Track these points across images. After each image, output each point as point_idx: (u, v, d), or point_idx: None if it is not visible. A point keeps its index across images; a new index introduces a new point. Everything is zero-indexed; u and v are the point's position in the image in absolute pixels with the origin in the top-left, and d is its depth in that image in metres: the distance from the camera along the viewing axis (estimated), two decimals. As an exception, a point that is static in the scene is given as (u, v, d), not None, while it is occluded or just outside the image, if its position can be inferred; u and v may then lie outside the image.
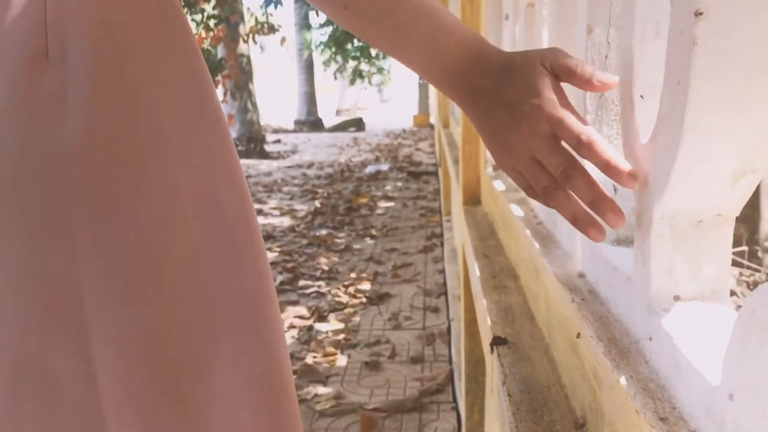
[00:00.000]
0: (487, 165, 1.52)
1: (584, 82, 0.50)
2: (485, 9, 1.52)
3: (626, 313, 0.55)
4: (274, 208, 5.30)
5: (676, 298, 0.49)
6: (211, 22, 7.96)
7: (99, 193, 0.44)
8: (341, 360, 2.39)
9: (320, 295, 3.13)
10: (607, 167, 0.47)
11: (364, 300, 3.03)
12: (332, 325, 2.75)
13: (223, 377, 0.49)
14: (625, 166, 0.47)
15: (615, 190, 0.66)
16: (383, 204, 5.39)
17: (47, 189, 0.43)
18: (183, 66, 0.50)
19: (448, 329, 2.63)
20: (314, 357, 2.42)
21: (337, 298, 3.06)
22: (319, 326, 2.74)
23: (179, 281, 0.47)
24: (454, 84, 0.55)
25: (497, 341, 0.78)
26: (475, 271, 1.10)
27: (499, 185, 1.31)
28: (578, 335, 0.60)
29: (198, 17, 7.73)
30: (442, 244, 3.93)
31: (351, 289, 3.16)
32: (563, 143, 0.50)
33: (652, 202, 0.48)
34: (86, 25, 0.44)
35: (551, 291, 0.73)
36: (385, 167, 7.42)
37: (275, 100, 21.69)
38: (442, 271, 3.40)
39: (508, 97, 0.50)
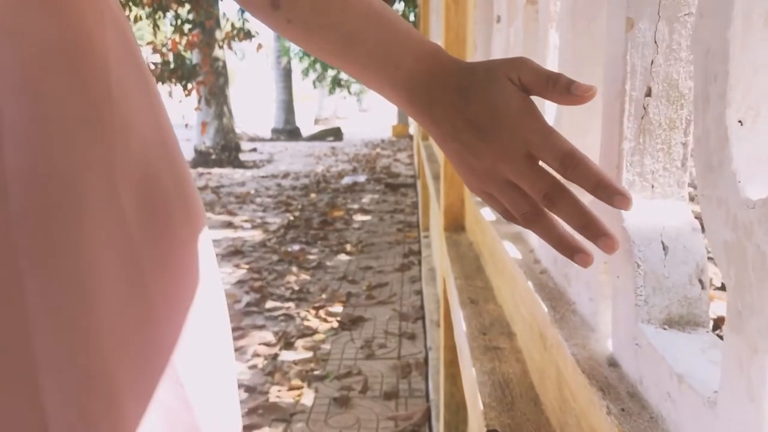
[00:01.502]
0: (472, 188, 1.33)
1: (560, 95, 0.44)
2: (473, 10, 1.34)
3: (706, 455, 0.36)
4: (246, 221, 5.07)
5: (808, 456, 0.30)
6: (186, 27, 7.72)
7: (41, 218, 0.40)
8: (308, 395, 2.18)
9: (288, 318, 2.91)
10: (596, 189, 0.42)
11: (335, 324, 2.82)
12: (299, 353, 2.53)
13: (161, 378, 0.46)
14: (616, 185, 0.42)
15: (665, 250, 0.47)
16: (359, 218, 5.19)
17: None
18: (131, 83, 0.46)
19: (426, 359, 2.43)
20: (278, 391, 2.20)
21: (306, 322, 2.85)
22: (285, 355, 2.52)
23: (119, 294, 0.43)
24: (411, 101, 0.49)
25: (493, 439, 0.58)
26: (461, 323, 0.90)
27: (487, 213, 1.12)
28: (620, 468, 0.41)
29: (173, 21, 7.50)
30: (419, 262, 3.74)
31: (322, 312, 2.95)
32: (541, 163, 0.44)
33: (773, 299, 0.29)
34: (14, 48, 0.40)
35: (570, 379, 0.54)
36: (362, 178, 7.23)
37: (253, 108, 21.39)
38: (420, 293, 3.21)
39: (474, 117, 0.46)
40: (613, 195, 0.41)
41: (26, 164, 0.40)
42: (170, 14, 7.40)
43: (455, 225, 1.45)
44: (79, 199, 0.42)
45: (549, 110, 0.78)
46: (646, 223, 0.48)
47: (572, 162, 0.42)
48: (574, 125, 0.68)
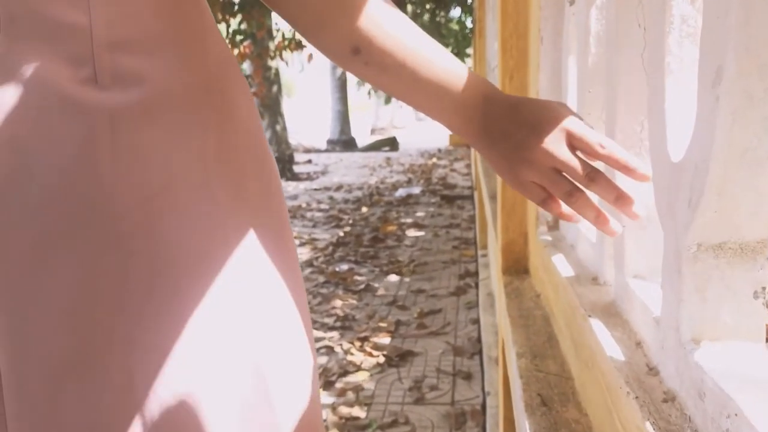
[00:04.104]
0: (539, 222, 1.02)
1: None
2: (537, -7, 1.03)
3: None
4: (294, 237, 4.84)
5: None
6: (237, 38, 7.64)
7: (146, 210, 0.45)
8: (346, 451, 1.90)
9: (330, 351, 2.65)
10: (625, 168, 0.54)
11: (381, 359, 2.53)
12: (340, 395, 2.26)
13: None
14: (636, 163, 0.53)
15: None
16: (412, 233, 4.90)
17: (99, 204, 0.44)
18: (231, 82, 0.53)
19: (483, 406, 2.11)
20: (313, 443, 1.93)
21: (349, 357, 2.57)
22: (324, 396, 2.25)
23: (216, 294, 0.48)
24: (470, 121, 0.59)
25: None
26: (527, 447, 0.60)
27: (561, 264, 0.81)
28: None
29: (226, 33, 7.42)
30: (476, 285, 3.42)
31: (367, 345, 2.67)
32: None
33: None
34: (134, 55, 0.46)
35: None
36: (416, 190, 6.93)
37: (311, 120, 21.46)
38: (476, 322, 2.89)
39: (526, 120, 0.57)
40: (635, 171, 0.53)
41: (134, 165, 0.45)
42: (222, 26, 7.33)
43: (516, 267, 1.14)
44: (175, 201, 0.46)
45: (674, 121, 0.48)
46: None
47: (608, 144, 0.54)
48: (735, 147, 0.38)
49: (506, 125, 0.57)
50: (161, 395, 0.45)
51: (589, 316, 0.62)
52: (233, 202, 0.50)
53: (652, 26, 0.51)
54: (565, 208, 0.58)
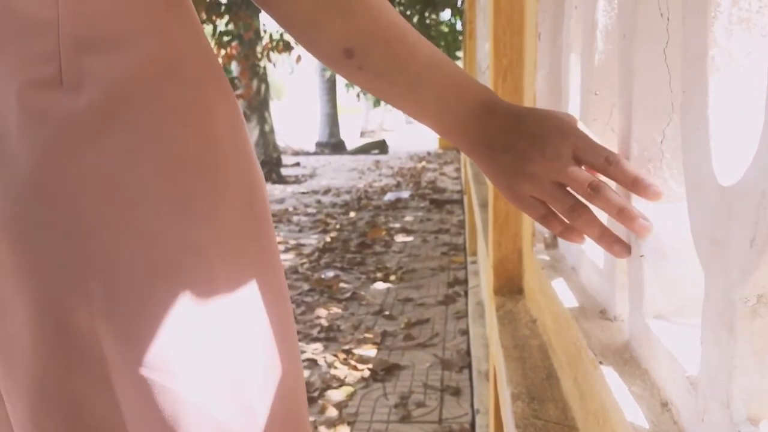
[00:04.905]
0: (535, 239, 0.92)
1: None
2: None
3: None
4: (280, 243, 4.73)
5: None
6: (224, 39, 7.52)
7: (112, 223, 0.43)
8: (326, 475, 1.79)
9: (314, 364, 2.53)
10: (634, 183, 0.50)
11: (366, 373, 2.42)
12: (322, 413, 2.14)
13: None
14: (650, 180, 0.50)
15: None
16: (401, 238, 4.79)
17: (62, 218, 0.42)
18: (213, 98, 0.50)
19: (472, 425, 2.01)
20: (292, 467, 1.82)
21: (333, 370, 2.46)
22: (305, 414, 2.14)
23: (186, 307, 0.46)
24: (465, 130, 0.56)
25: None
26: None
27: (562, 290, 0.71)
28: None
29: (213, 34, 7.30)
30: (465, 293, 3.31)
31: (351, 358, 2.56)
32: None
33: None
34: (102, 54, 0.43)
35: None
36: (405, 194, 6.83)
37: (301, 122, 21.31)
38: (466, 333, 2.79)
39: (527, 131, 0.53)
40: (647, 188, 0.50)
41: (105, 162, 0.43)
42: (208, 27, 7.20)
43: (510, 287, 1.04)
44: (148, 213, 0.44)
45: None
46: None
47: (615, 159, 0.51)
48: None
49: (506, 136, 0.53)
50: (151, 407, 0.44)
51: (600, 362, 0.52)
52: (210, 210, 0.47)
53: (690, 13, 0.41)
54: (566, 226, 0.54)
